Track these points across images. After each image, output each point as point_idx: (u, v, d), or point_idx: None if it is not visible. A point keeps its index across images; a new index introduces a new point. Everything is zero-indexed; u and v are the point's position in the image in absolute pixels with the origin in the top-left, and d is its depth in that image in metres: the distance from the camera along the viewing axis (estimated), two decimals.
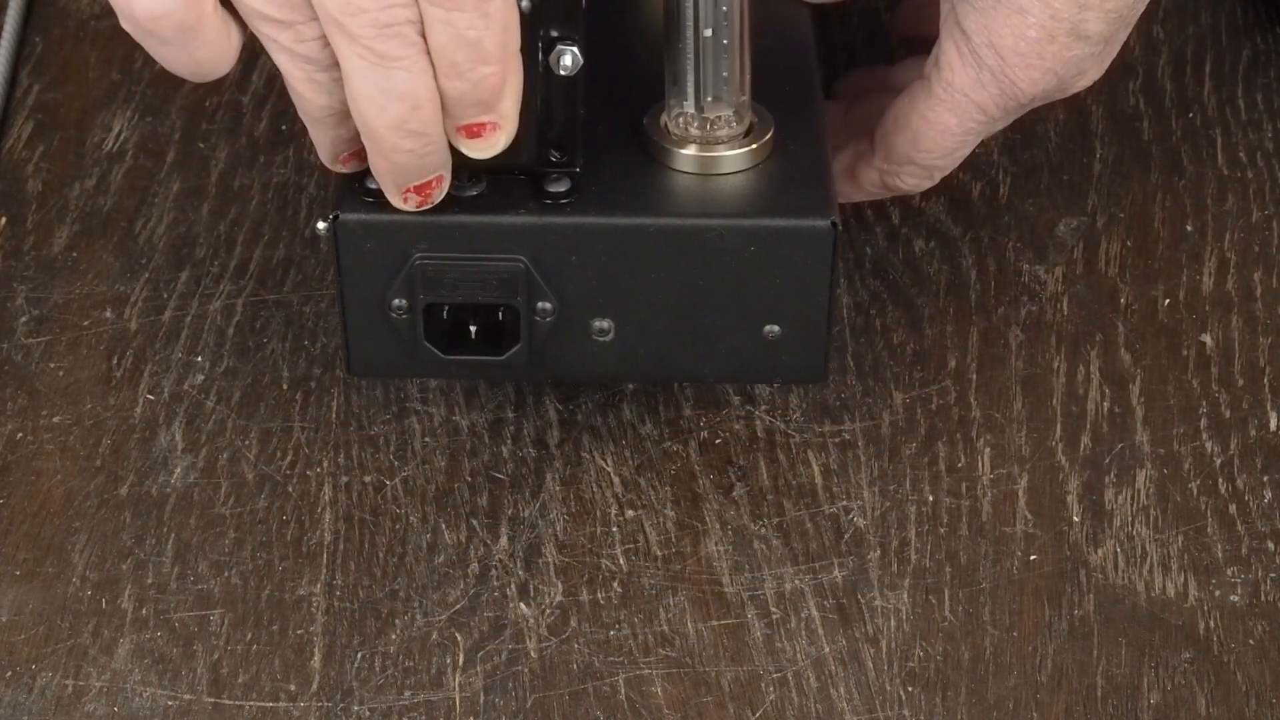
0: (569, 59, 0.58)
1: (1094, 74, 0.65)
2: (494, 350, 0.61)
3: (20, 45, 0.81)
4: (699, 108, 0.61)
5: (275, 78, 0.79)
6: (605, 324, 0.60)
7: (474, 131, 0.57)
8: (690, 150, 0.61)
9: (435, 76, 0.55)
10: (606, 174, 0.60)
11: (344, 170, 0.60)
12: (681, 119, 0.61)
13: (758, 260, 0.59)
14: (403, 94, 0.55)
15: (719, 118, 0.61)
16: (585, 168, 0.60)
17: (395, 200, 0.58)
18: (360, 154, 0.58)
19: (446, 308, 0.61)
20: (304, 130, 0.77)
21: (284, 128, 0.77)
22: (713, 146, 0.61)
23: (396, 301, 0.60)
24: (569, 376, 0.65)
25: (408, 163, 0.56)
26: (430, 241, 0.59)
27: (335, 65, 0.55)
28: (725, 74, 0.60)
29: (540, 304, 0.60)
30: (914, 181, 0.67)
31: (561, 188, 0.59)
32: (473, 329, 0.61)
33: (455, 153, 0.58)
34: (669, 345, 0.61)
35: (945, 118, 0.64)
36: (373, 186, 0.59)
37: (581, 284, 0.60)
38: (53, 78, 0.80)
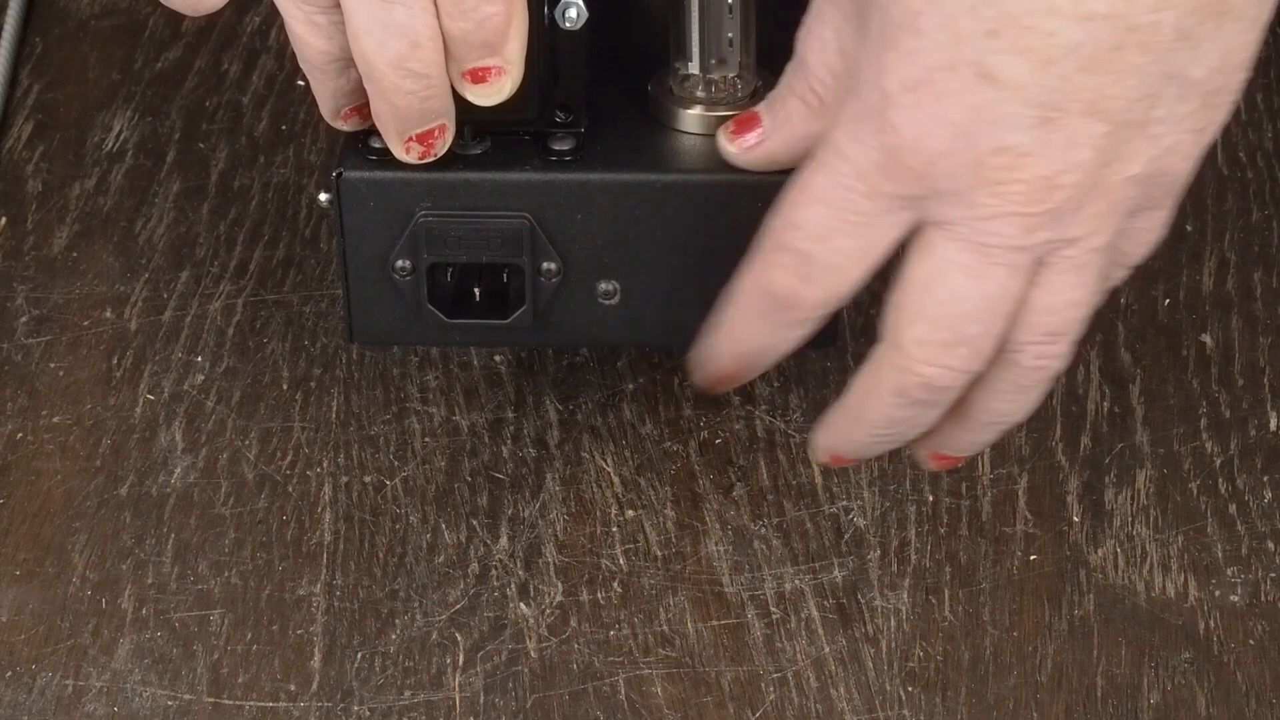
0: (574, 12, 0.57)
1: (1037, 166, 0.50)
2: (498, 315, 0.61)
3: (20, 45, 0.81)
4: (704, 70, 0.61)
5: (275, 78, 0.79)
6: (611, 286, 0.60)
7: (479, 76, 0.56)
8: (695, 111, 0.61)
9: (439, 17, 0.55)
10: (612, 134, 0.60)
11: (345, 127, 0.59)
12: (687, 82, 0.61)
13: (764, 218, 0.59)
14: (402, 29, 0.54)
15: (724, 80, 0.61)
16: (591, 129, 0.60)
17: (397, 150, 0.58)
18: (362, 110, 0.58)
19: (450, 271, 0.61)
20: (304, 130, 0.77)
21: (284, 128, 0.77)
22: (717, 107, 0.61)
23: (400, 263, 0.60)
24: (574, 341, 0.65)
25: (408, 105, 0.56)
26: (434, 199, 0.59)
27: (335, 7, 0.55)
28: (730, 36, 0.60)
29: (545, 264, 0.60)
30: (786, 281, 0.54)
31: (566, 146, 0.59)
32: (476, 292, 0.61)
33: (461, 108, 0.57)
34: (675, 309, 0.61)
35: (813, 178, 0.53)
36: (376, 145, 0.59)
37: (587, 243, 0.59)
38: (53, 78, 0.80)
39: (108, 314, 0.70)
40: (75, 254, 0.72)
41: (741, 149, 0.58)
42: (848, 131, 0.52)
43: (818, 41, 0.54)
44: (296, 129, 0.77)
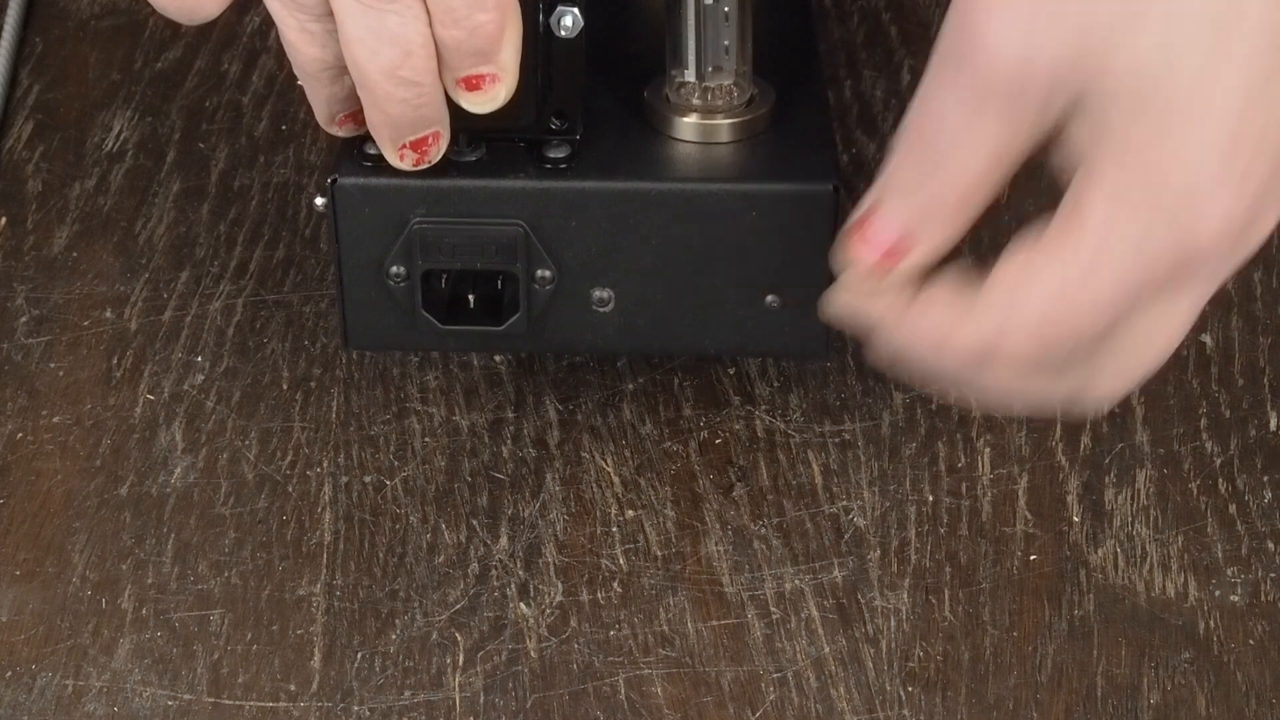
0: (570, 20, 0.57)
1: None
2: (493, 321, 0.61)
3: (20, 45, 0.81)
4: (700, 77, 0.61)
5: (275, 78, 0.79)
6: (605, 293, 0.60)
7: (473, 84, 0.56)
8: (691, 119, 0.61)
9: (431, 25, 0.55)
10: (607, 142, 0.60)
11: (340, 133, 0.59)
12: (683, 89, 0.61)
13: (758, 226, 0.59)
14: (395, 37, 0.54)
15: (720, 88, 0.61)
16: (586, 136, 0.60)
17: (392, 157, 0.58)
18: (357, 116, 0.58)
19: (445, 278, 0.61)
20: (304, 130, 0.77)
21: (284, 128, 0.77)
22: (713, 115, 0.61)
23: (394, 269, 0.60)
24: (568, 348, 0.65)
25: (401, 114, 0.56)
26: (429, 206, 0.59)
27: (328, 15, 0.55)
28: (726, 44, 0.60)
29: (539, 271, 0.60)
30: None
31: (561, 153, 0.59)
32: (471, 299, 0.61)
33: (456, 115, 0.57)
34: (669, 316, 0.61)
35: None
36: (371, 152, 0.59)
37: (581, 251, 0.60)
38: (53, 78, 0.80)
39: (108, 314, 0.70)
40: (75, 254, 0.72)
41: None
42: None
43: None
44: (296, 129, 0.77)
